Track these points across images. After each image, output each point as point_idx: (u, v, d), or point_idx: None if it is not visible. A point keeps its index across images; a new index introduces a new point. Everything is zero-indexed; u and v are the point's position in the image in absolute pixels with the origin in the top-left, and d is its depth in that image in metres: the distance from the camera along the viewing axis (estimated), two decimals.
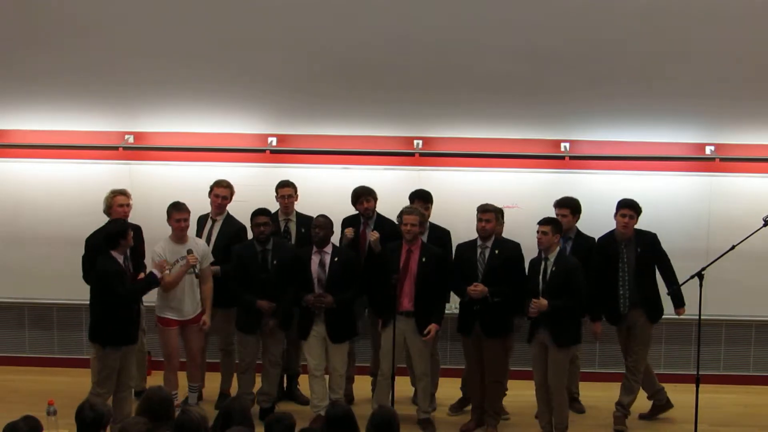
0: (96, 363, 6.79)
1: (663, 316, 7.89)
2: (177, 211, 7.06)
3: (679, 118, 7.96)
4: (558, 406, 6.86)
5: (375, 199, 7.44)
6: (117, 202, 7.25)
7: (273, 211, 7.52)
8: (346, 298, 7.06)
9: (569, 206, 7.16)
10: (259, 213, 7.12)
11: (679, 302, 7.17)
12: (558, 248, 6.77)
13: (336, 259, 7.06)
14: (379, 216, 7.48)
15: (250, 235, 7.32)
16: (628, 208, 7.03)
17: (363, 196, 7.39)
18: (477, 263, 6.93)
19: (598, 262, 7.09)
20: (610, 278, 7.08)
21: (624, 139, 8.03)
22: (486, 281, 6.87)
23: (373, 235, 7.26)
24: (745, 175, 8.04)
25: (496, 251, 6.94)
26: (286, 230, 7.54)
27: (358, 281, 7.13)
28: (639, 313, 7.10)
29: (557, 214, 7.11)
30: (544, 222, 6.76)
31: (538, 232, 6.73)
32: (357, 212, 7.46)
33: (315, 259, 7.06)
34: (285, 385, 7.76)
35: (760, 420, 7.50)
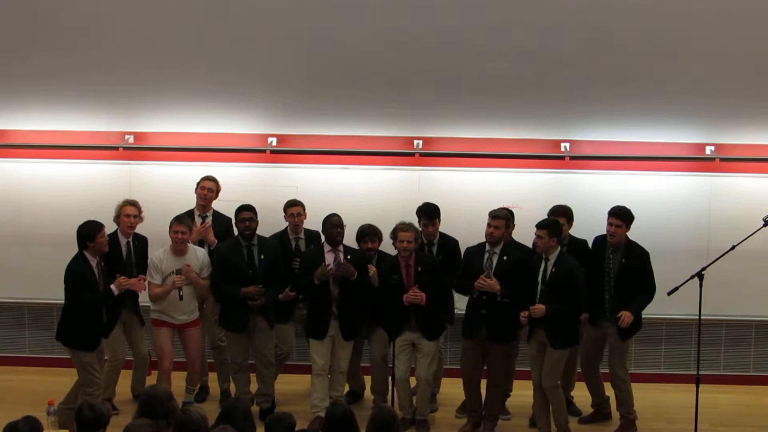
0: (75, 364, 6.80)
1: (663, 317, 7.94)
2: (176, 223, 7.06)
3: (679, 118, 7.96)
4: (555, 406, 6.85)
5: (380, 240, 7.29)
6: (124, 212, 7.21)
7: (283, 227, 7.53)
8: (362, 275, 7.06)
9: (565, 215, 7.13)
10: (244, 209, 7.12)
11: (632, 308, 6.89)
12: (558, 250, 6.76)
13: (349, 257, 7.07)
14: (380, 254, 7.33)
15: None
16: (615, 217, 6.92)
17: (367, 236, 7.25)
18: (484, 267, 6.84)
19: (591, 259, 7.04)
20: (597, 278, 7.02)
21: (624, 139, 8.02)
22: None
23: (371, 269, 7.17)
24: (745, 175, 8.03)
25: (505, 257, 6.89)
26: (297, 248, 7.51)
27: (366, 277, 7.12)
28: (611, 325, 6.99)
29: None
30: (540, 226, 6.73)
31: (535, 234, 6.74)
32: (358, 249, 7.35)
33: (329, 258, 7.05)
34: None
35: (760, 420, 7.50)
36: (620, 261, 6.96)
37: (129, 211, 7.23)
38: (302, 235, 7.53)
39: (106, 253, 6.88)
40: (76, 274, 6.62)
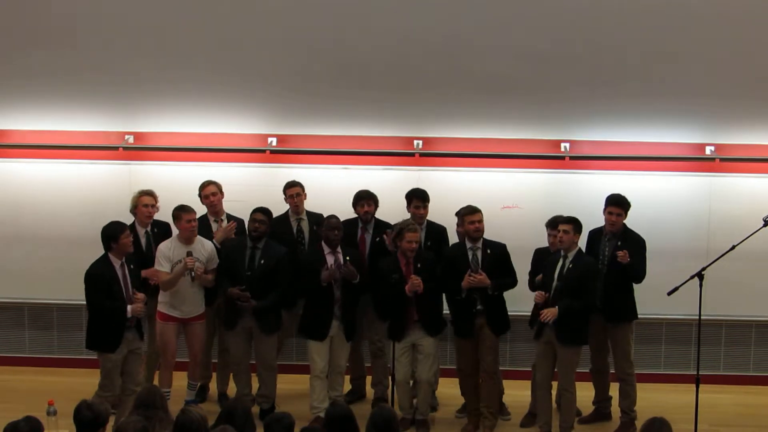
0: (100, 367, 6.80)
1: (663, 317, 7.93)
2: (186, 212, 7.07)
3: (679, 118, 7.96)
4: (565, 405, 6.86)
5: (376, 204, 7.42)
6: (142, 202, 7.28)
7: (283, 212, 7.54)
8: (362, 281, 7.10)
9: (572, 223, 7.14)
10: (258, 210, 7.14)
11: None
12: (577, 248, 6.76)
13: (348, 258, 7.08)
14: (377, 221, 7.47)
15: None
16: (616, 205, 7.01)
17: (363, 199, 7.38)
18: (471, 265, 6.90)
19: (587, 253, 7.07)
20: None
21: (624, 139, 8.02)
22: None
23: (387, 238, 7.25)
24: (745, 175, 8.03)
25: (488, 251, 6.95)
26: (299, 230, 7.55)
27: (365, 278, 7.14)
28: (599, 315, 7.04)
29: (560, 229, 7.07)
30: (566, 221, 6.76)
31: (559, 230, 6.74)
32: (356, 216, 7.46)
33: (330, 259, 7.07)
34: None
35: (760, 420, 7.50)
36: (616, 245, 6.99)
37: (147, 201, 7.30)
38: (304, 217, 7.56)
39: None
40: (94, 276, 6.58)
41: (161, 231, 7.41)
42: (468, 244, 6.98)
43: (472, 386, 7.13)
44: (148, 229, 7.37)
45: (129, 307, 6.59)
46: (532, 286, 7.11)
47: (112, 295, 6.58)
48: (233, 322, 7.19)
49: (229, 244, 7.27)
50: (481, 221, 6.93)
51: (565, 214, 7.04)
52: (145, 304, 6.74)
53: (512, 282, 7.08)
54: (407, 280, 6.89)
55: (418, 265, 6.97)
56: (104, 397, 6.50)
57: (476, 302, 6.90)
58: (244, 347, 7.28)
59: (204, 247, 7.20)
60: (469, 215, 6.94)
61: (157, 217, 7.47)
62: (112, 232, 6.62)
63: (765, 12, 7.55)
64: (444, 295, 7.20)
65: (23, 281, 8.32)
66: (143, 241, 7.33)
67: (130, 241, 6.72)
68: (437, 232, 7.41)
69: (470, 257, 6.94)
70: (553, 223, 7.03)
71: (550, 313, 6.64)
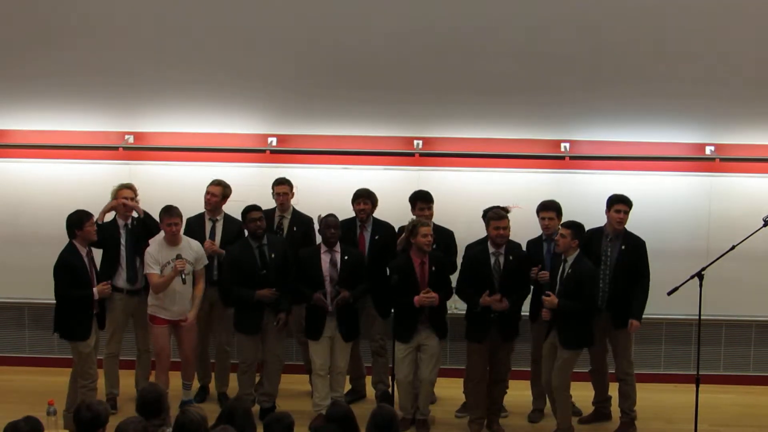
0: (73, 356, 6.91)
1: (663, 317, 7.95)
2: (168, 215, 7.08)
3: (679, 118, 7.97)
4: (560, 406, 6.86)
5: (373, 203, 7.42)
6: (121, 195, 7.32)
7: (268, 208, 7.55)
8: (360, 292, 7.09)
9: (555, 209, 7.14)
10: (252, 209, 7.13)
11: (636, 313, 7.02)
12: (577, 251, 6.74)
13: (346, 257, 7.07)
14: (375, 220, 7.48)
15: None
16: (623, 203, 7.03)
17: (360, 197, 7.39)
18: (492, 271, 6.86)
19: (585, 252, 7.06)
20: None
21: (624, 139, 8.03)
22: (501, 288, 6.83)
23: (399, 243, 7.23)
24: (745, 175, 8.04)
25: (510, 257, 6.90)
26: (279, 226, 7.59)
27: (366, 277, 7.14)
28: (608, 317, 7.04)
29: (543, 217, 7.12)
30: (566, 225, 6.75)
31: (558, 233, 6.76)
32: (354, 216, 7.46)
33: (326, 258, 7.06)
34: None
35: (760, 420, 7.50)
36: (620, 248, 7.00)
37: (125, 194, 7.34)
38: (287, 215, 7.59)
39: (106, 239, 7.05)
40: (63, 266, 6.71)
41: (139, 227, 7.40)
42: (491, 249, 6.90)
43: (480, 393, 7.06)
44: (128, 222, 7.37)
45: (95, 290, 6.75)
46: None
47: (77, 283, 6.72)
48: (257, 327, 7.14)
49: (234, 250, 7.22)
50: (506, 227, 6.82)
51: (565, 214, 7.07)
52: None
53: (526, 294, 7.08)
54: (419, 281, 6.83)
55: (433, 268, 6.92)
56: (85, 386, 6.69)
57: (492, 310, 6.86)
58: (257, 349, 7.27)
59: (191, 247, 7.19)
60: (495, 220, 6.81)
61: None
62: (76, 220, 6.76)
63: (765, 12, 7.55)
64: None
65: (23, 281, 8.32)
66: (122, 232, 7.34)
67: (94, 229, 6.83)
68: (445, 236, 7.36)
69: (492, 262, 6.87)
70: (543, 208, 7.11)
71: (549, 302, 6.66)
